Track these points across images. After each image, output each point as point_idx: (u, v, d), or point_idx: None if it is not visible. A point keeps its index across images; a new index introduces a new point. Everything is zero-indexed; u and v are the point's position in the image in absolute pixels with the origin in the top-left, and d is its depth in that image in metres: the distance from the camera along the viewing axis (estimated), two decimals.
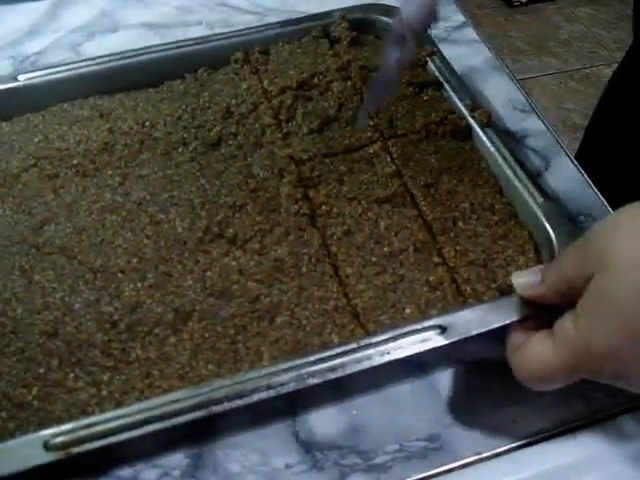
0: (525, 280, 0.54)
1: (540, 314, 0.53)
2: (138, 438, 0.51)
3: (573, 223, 0.67)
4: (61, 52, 0.86)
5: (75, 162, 0.68)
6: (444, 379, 0.60)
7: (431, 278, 0.60)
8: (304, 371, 0.53)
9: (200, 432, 0.57)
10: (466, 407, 0.58)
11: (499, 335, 0.60)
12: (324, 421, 0.58)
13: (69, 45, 0.87)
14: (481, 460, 0.56)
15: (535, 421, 0.58)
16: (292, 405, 0.58)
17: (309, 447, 0.56)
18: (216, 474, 0.55)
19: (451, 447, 0.56)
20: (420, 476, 0.55)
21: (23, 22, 0.90)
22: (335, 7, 0.81)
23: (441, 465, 0.56)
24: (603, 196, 0.70)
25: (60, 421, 0.53)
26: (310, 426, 0.57)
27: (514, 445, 0.57)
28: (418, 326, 0.55)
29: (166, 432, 0.53)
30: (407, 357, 0.54)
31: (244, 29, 0.79)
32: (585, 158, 0.93)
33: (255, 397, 0.52)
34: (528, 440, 0.57)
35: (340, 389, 0.58)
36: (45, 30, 0.89)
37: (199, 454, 0.56)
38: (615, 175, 0.81)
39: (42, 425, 0.53)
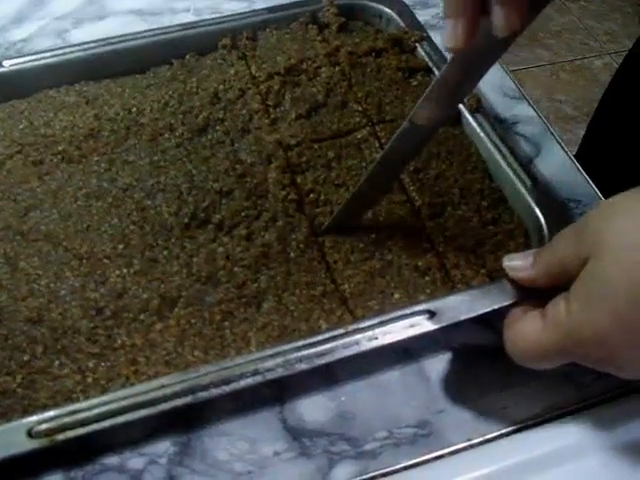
0: (517, 263, 0.54)
1: (531, 299, 0.53)
2: (124, 425, 0.51)
3: (563, 209, 0.67)
4: (47, 39, 0.85)
5: (61, 148, 0.67)
6: (433, 365, 0.59)
7: (420, 263, 0.60)
8: (292, 356, 0.53)
9: (187, 419, 0.56)
10: (456, 393, 0.58)
11: (488, 321, 0.60)
12: (312, 408, 0.57)
13: (55, 32, 0.86)
14: (471, 446, 0.56)
15: (525, 407, 0.57)
16: (280, 392, 0.57)
17: (297, 434, 0.56)
18: (204, 462, 0.55)
19: (441, 433, 0.56)
20: (410, 462, 0.55)
21: (9, 9, 0.89)
22: None
23: (431, 451, 0.55)
24: (604, 194, 0.69)
25: (45, 408, 0.52)
26: (298, 413, 0.57)
27: (504, 431, 0.56)
28: (407, 311, 0.55)
29: (152, 419, 0.52)
30: (396, 342, 0.54)
31: (232, 15, 0.79)
32: (586, 156, 0.93)
33: (242, 383, 0.52)
34: (518, 426, 0.57)
35: (328, 375, 0.58)
36: (31, 17, 0.88)
37: (186, 442, 0.56)
38: (617, 173, 0.80)
39: (26, 413, 0.52)
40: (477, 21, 0.46)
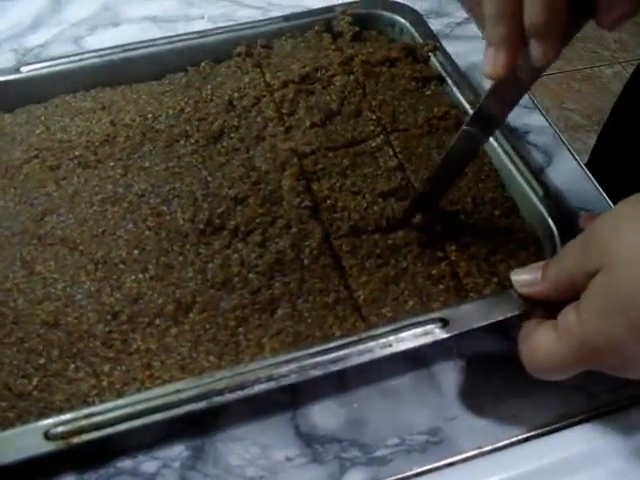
0: (524, 278, 0.54)
1: (541, 308, 0.53)
2: (138, 429, 0.52)
3: (575, 218, 0.67)
4: (63, 45, 0.86)
5: (77, 154, 0.68)
6: (445, 373, 0.60)
7: (433, 272, 0.60)
8: (305, 363, 0.53)
9: (200, 424, 0.57)
10: (467, 401, 0.58)
11: (500, 329, 0.61)
12: (325, 414, 0.58)
13: (71, 38, 0.87)
14: (482, 454, 0.56)
15: (536, 415, 0.58)
16: (293, 398, 0.58)
17: (309, 440, 0.56)
18: (216, 466, 0.55)
19: (452, 441, 0.56)
20: (421, 469, 0.55)
21: (25, 15, 0.90)
22: (338, 2, 0.82)
23: (442, 459, 0.56)
24: (615, 202, 0.70)
25: (61, 411, 0.53)
26: (311, 419, 0.57)
27: (515, 439, 0.57)
28: (420, 319, 0.55)
29: (166, 423, 0.53)
30: (408, 350, 0.54)
31: (246, 23, 0.79)
32: (597, 165, 0.93)
33: (256, 388, 0.52)
34: (529, 434, 0.57)
35: (341, 382, 0.58)
36: (47, 23, 0.89)
37: (199, 446, 0.56)
38: (628, 182, 0.81)
39: (42, 415, 0.53)
40: (518, 51, 0.50)
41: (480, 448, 0.56)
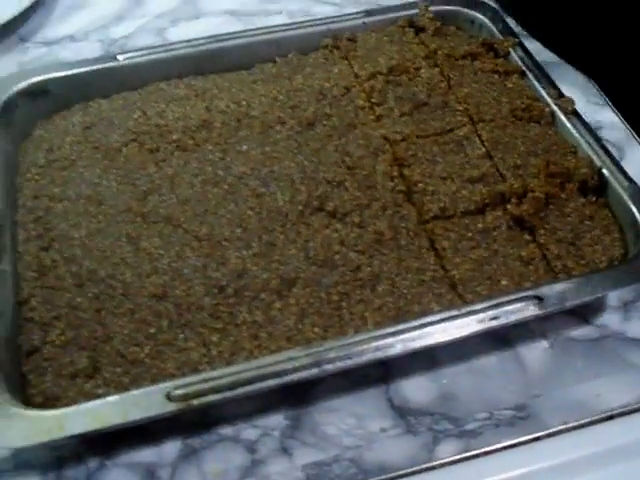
0: None
1: None
2: (248, 395, 0.54)
3: None
4: (147, 36, 0.90)
5: (175, 137, 0.71)
6: (529, 352, 0.62)
7: (523, 253, 0.63)
8: (409, 335, 0.56)
9: (297, 396, 0.59)
10: (551, 380, 0.61)
11: (580, 313, 0.63)
12: (416, 389, 0.60)
13: (155, 30, 0.91)
14: (568, 430, 0.58)
15: (619, 395, 0.60)
16: (385, 373, 0.60)
17: (403, 412, 0.59)
18: (314, 435, 0.58)
19: (538, 416, 0.59)
20: (509, 442, 0.58)
21: (110, 9, 0.94)
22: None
23: (529, 433, 0.58)
24: None
25: (173, 377, 0.56)
26: (403, 393, 0.60)
27: (598, 417, 0.59)
28: (517, 296, 0.58)
29: (265, 394, 0.55)
30: (506, 324, 0.57)
31: (331, 17, 0.82)
32: None
33: (364, 358, 0.55)
34: (613, 412, 0.59)
35: (430, 359, 0.61)
36: (131, 16, 0.93)
37: (297, 416, 0.59)
38: None
39: (155, 381, 0.56)
40: None
41: (566, 424, 0.58)
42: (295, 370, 0.54)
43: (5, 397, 0.53)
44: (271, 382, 0.54)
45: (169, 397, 0.53)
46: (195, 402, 0.53)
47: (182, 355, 0.58)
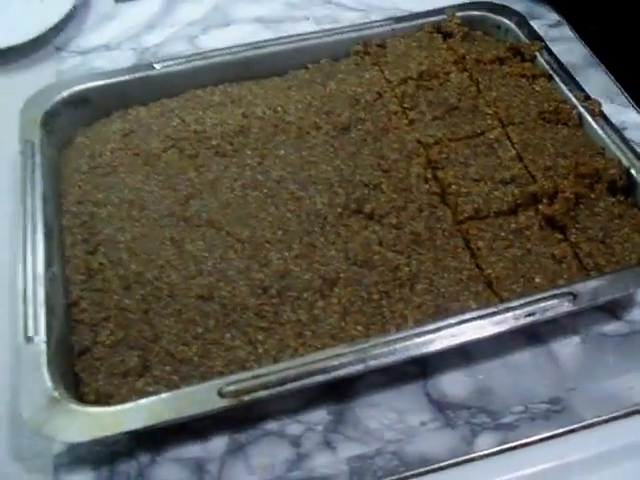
0: None
1: None
2: (296, 390, 0.56)
3: None
4: (178, 44, 0.92)
5: (214, 143, 0.73)
6: (562, 348, 0.64)
7: (555, 252, 0.65)
8: (450, 331, 0.58)
9: (338, 392, 0.61)
10: (584, 374, 0.63)
11: (610, 309, 0.65)
12: (453, 383, 0.62)
13: (186, 38, 0.93)
14: (601, 422, 0.60)
15: None
16: (422, 369, 0.62)
17: (441, 407, 0.61)
18: (357, 430, 0.60)
19: (572, 410, 0.61)
20: (545, 435, 0.60)
21: (141, 17, 0.96)
22: (439, 5, 0.86)
23: (564, 426, 0.60)
24: None
25: (222, 375, 0.58)
26: (441, 388, 0.62)
27: (632, 409, 0.61)
28: (551, 293, 0.60)
29: (307, 391, 0.58)
30: (541, 320, 0.59)
31: (360, 24, 0.84)
32: None
33: (407, 354, 0.57)
34: None
35: (466, 355, 0.63)
36: (162, 24, 0.95)
37: (340, 411, 0.61)
38: None
39: (204, 379, 0.58)
40: None
41: (600, 416, 0.60)
42: (341, 366, 0.56)
43: (62, 394, 0.55)
44: (319, 378, 0.56)
45: (221, 393, 0.55)
46: (246, 398, 0.55)
47: (229, 353, 0.60)
